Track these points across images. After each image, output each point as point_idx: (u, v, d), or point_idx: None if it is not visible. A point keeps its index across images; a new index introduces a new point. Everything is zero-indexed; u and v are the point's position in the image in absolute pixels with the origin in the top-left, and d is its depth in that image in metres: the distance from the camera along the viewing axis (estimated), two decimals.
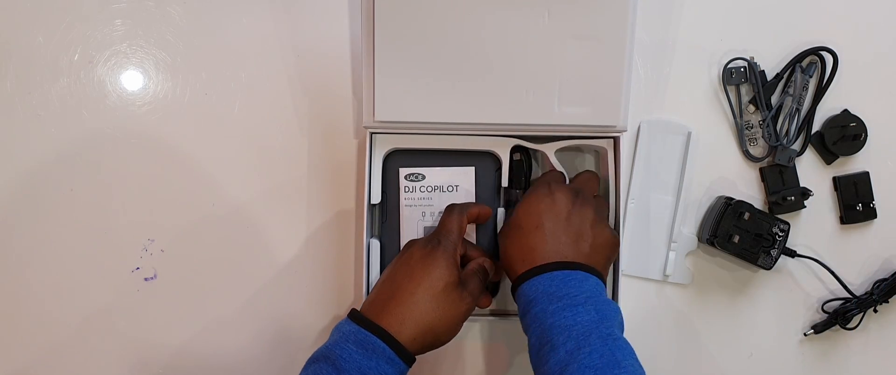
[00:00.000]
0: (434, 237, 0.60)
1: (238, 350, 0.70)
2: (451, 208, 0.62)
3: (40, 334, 0.69)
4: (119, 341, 0.70)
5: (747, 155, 0.71)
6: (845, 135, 0.71)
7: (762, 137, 0.71)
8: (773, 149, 0.71)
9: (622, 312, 0.58)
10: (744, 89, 0.72)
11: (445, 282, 0.57)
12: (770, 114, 0.70)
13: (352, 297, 0.70)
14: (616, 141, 0.66)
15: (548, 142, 0.67)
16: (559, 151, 0.68)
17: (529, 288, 0.57)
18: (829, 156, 0.71)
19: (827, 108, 0.72)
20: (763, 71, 0.71)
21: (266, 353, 0.70)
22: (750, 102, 0.71)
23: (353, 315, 0.58)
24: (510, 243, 0.60)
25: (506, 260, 0.61)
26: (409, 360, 0.56)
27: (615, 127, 0.64)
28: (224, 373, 0.70)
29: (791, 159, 0.70)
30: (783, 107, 0.70)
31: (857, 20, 0.72)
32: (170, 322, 0.70)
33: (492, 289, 0.67)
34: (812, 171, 0.72)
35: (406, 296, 0.57)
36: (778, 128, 0.71)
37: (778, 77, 0.70)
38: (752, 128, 0.71)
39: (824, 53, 0.70)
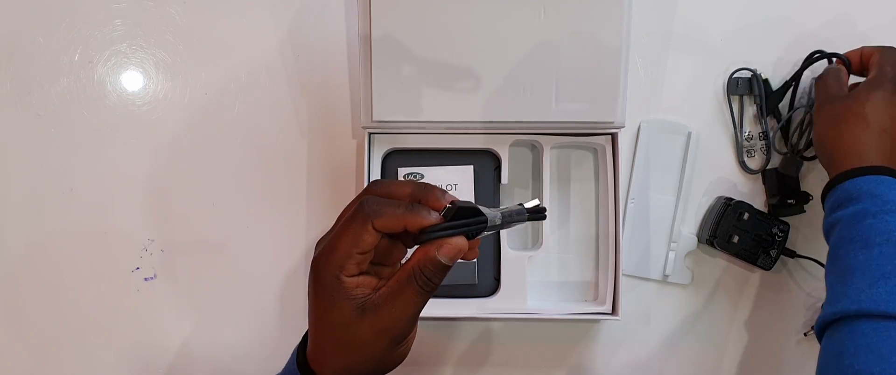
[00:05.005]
0: (318, 258, 0.44)
1: (238, 350, 0.70)
2: (355, 211, 0.43)
3: (40, 333, 0.70)
4: (119, 341, 0.70)
5: (744, 167, 0.71)
6: None
7: (760, 150, 0.71)
8: (767, 161, 0.71)
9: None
10: (747, 100, 0.71)
11: (340, 323, 0.44)
12: (780, 124, 0.69)
13: None
14: (614, 137, 0.66)
15: (545, 138, 0.67)
16: (557, 148, 0.68)
17: (853, 186, 0.57)
18: None
19: None
20: (766, 79, 0.70)
21: (266, 353, 0.70)
22: (762, 110, 0.70)
23: (300, 359, 0.48)
24: (847, 131, 0.59)
25: (831, 146, 0.60)
26: None
27: (613, 123, 0.64)
28: (224, 373, 0.70)
29: (798, 169, 0.70)
30: (793, 118, 0.70)
31: (857, 20, 0.72)
32: (170, 322, 0.70)
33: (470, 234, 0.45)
34: (812, 171, 0.72)
35: (317, 338, 0.46)
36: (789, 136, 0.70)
37: (786, 85, 0.70)
38: (751, 139, 0.71)
39: (833, 58, 0.68)
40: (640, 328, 0.71)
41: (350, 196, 0.70)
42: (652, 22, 0.71)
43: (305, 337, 0.48)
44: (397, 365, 0.47)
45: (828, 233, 0.59)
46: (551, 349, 0.71)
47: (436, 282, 0.43)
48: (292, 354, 0.48)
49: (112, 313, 0.70)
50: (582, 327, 0.71)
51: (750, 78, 0.71)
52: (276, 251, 0.70)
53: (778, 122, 0.70)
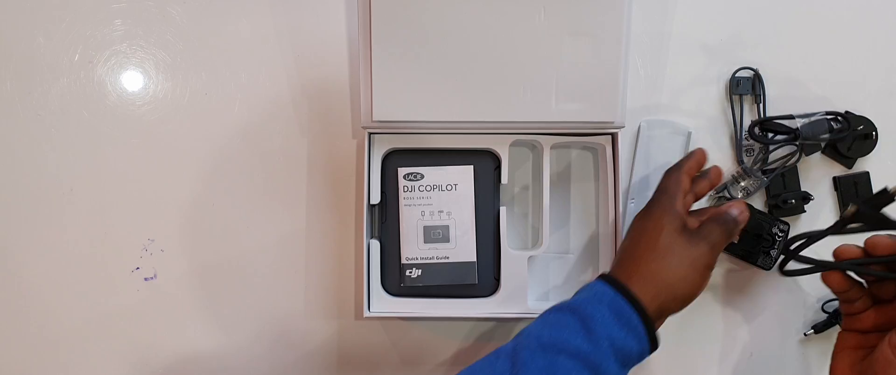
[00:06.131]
0: (658, 196, 0.61)
1: (238, 351, 0.70)
2: (668, 171, 0.63)
3: (40, 334, 0.70)
4: (119, 341, 0.70)
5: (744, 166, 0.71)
6: (856, 137, 0.70)
7: (760, 150, 0.71)
8: (767, 161, 0.71)
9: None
10: (747, 100, 0.71)
11: (665, 230, 0.58)
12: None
13: (352, 297, 0.70)
14: (614, 137, 0.66)
15: (545, 138, 0.67)
16: (557, 148, 0.68)
17: None
18: (847, 161, 0.71)
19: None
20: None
21: (266, 353, 0.70)
22: (762, 110, 0.70)
23: (607, 278, 0.57)
24: None
25: None
26: (654, 344, 0.55)
27: (613, 123, 0.64)
28: (224, 373, 0.70)
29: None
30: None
31: (856, 20, 0.72)
32: (170, 322, 0.70)
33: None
34: (812, 171, 0.72)
35: (643, 259, 0.57)
36: None
37: None
38: (751, 139, 0.71)
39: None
40: None
41: (350, 196, 0.70)
42: (652, 22, 0.71)
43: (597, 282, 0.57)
44: (692, 298, 0.58)
45: None
46: None
47: (728, 227, 0.60)
48: (592, 284, 0.57)
49: (112, 313, 0.70)
50: None
51: (751, 77, 0.71)
52: (276, 250, 0.70)
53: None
